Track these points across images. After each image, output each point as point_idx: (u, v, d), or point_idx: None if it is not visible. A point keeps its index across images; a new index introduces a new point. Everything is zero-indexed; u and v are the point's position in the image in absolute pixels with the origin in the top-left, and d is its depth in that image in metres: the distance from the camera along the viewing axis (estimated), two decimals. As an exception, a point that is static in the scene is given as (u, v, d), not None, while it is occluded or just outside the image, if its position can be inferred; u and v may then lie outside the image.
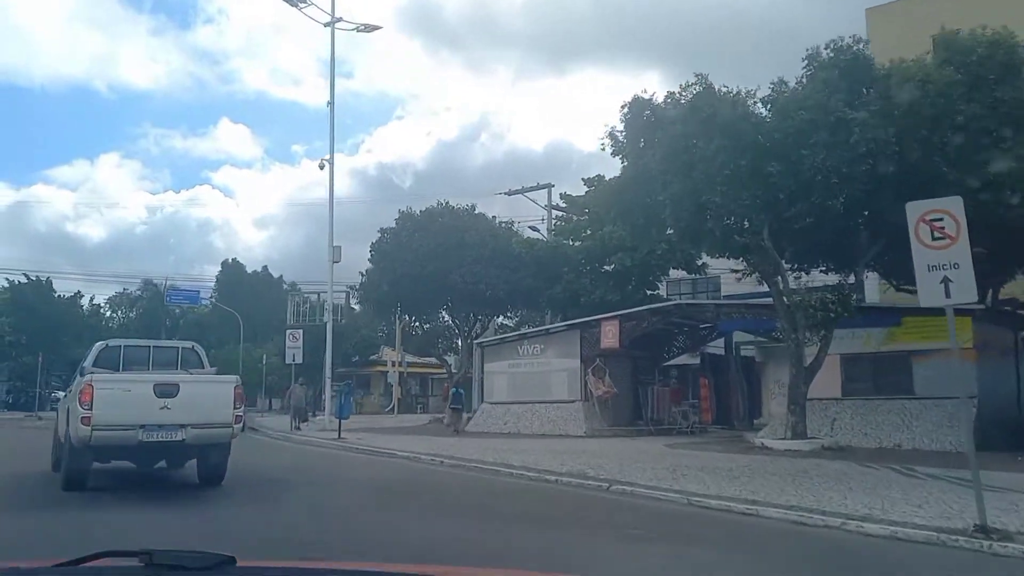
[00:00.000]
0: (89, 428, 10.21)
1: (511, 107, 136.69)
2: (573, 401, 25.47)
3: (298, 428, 26.80)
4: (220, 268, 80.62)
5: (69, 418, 10.89)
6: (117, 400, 10.47)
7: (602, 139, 19.16)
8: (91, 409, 10.22)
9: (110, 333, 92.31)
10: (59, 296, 49.13)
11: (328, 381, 26.91)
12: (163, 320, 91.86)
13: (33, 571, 2.11)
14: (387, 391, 48.66)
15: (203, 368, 12.57)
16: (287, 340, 27.80)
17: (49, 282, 48.34)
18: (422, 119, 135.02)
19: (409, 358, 46.56)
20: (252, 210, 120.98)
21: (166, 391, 10.68)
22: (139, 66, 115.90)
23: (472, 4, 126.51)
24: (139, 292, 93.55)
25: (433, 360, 42.96)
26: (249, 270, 79.91)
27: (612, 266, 30.69)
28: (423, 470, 15.17)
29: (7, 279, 47.66)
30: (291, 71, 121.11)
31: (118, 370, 11.76)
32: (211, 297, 78.19)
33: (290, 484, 13.44)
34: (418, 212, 31.70)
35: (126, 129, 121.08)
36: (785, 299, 18.76)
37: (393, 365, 44.17)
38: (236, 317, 60.19)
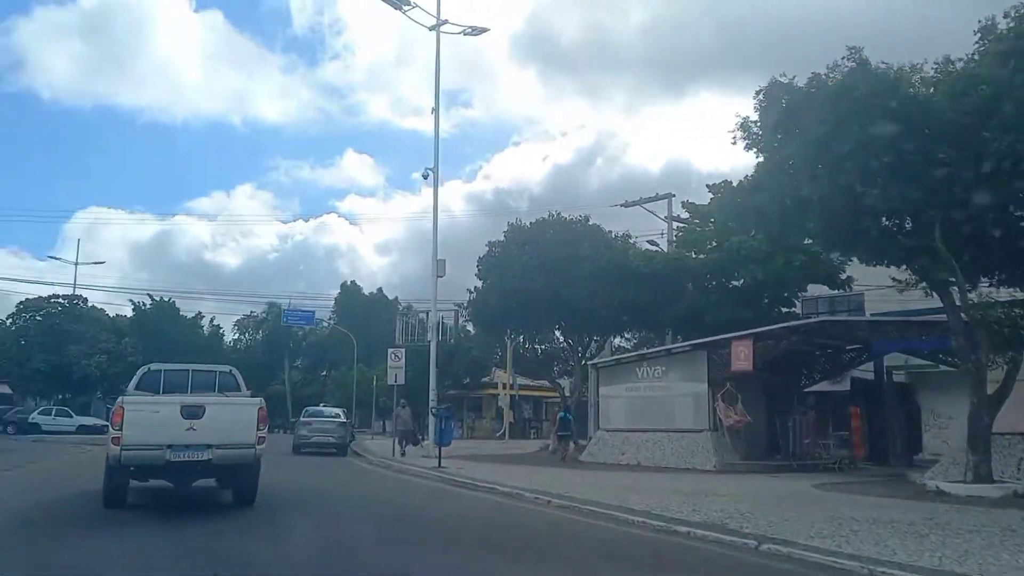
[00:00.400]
0: (119, 448, 10.64)
1: (627, 130, 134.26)
2: (700, 431, 22.60)
3: (403, 454, 24.99)
4: (339, 290, 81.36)
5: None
6: (146, 421, 10.85)
7: (733, 131, 16.60)
8: (121, 430, 10.63)
9: (235, 354, 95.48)
10: (183, 316, 49.91)
11: (432, 404, 25.13)
12: (286, 342, 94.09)
13: None
14: (498, 415, 46.82)
15: (239, 391, 12.68)
16: (389, 359, 26.19)
17: (172, 303, 49.21)
18: (538, 144, 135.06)
19: (522, 380, 44.51)
20: (374, 236, 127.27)
21: (192, 412, 10.97)
22: (271, 102, 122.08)
23: (587, 29, 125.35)
24: (264, 315, 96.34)
25: (547, 383, 40.92)
26: (367, 292, 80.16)
27: (741, 281, 27.67)
28: (525, 511, 12.83)
29: (131, 300, 48.92)
30: (411, 102, 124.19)
31: (158, 393, 12.04)
32: (330, 319, 78.95)
33: (352, 517, 12.14)
34: (528, 224, 29.68)
35: (260, 161, 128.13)
36: (963, 314, 15.52)
37: (504, 388, 42.15)
38: (352, 338, 59.90)
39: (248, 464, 11.46)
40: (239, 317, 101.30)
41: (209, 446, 10.97)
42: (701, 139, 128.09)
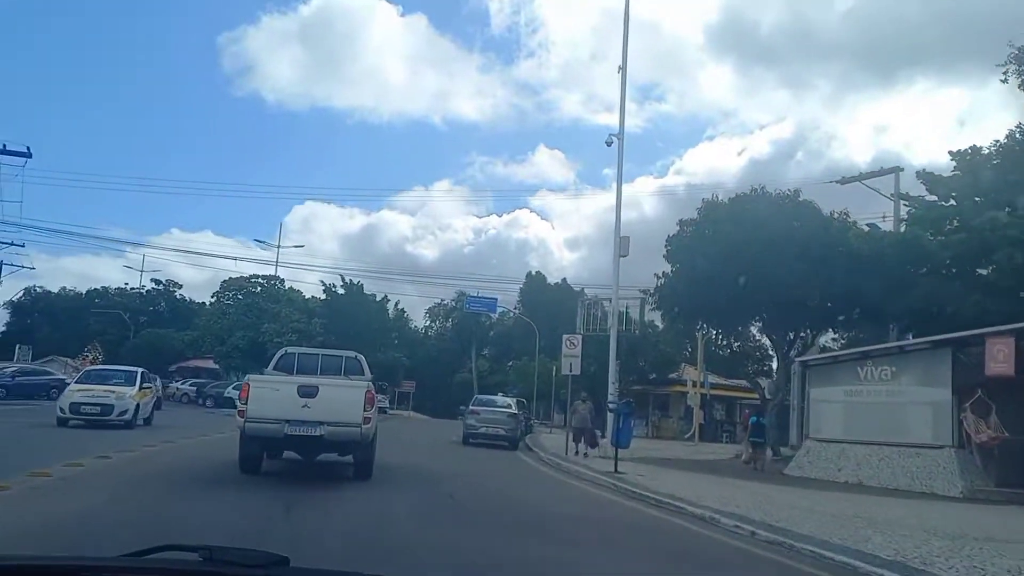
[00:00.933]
0: (244, 420, 11.58)
1: (832, 122, 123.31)
2: (941, 447, 18.13)
3: (580, 453, 21.57)
4: (524, 280, 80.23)
5: None
6: (267, 398, 11.63)
7: (1004, 69, 12.40)
8: (246, 404, 11.56)
9: (424, 340, 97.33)
10: (369, 299, 50.06)
11: (609, 398, 22.15)
12: (474, 331, 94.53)
13: (96, 561, 2.20)
14: (687, 415, 42.94)
15: (362, 375, 13.40)
16: (563, 347, 23.08)
17: (360, 285, 49.38)
18: (733, 138, 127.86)
19: (714, 378, 40.45)
20: (564, 231, 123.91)
21: (307, 392, 11.57)
22: (469, 100, 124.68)
23: (788, 18, 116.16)
24: (453, 303, 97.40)
25: (744, 382, 36.82)
26: (552, 282, 78.44)
27: (992, 268, 22.49)
28: (720, 546, 9.51)
29: (322, 282, 49.61)
30: (604, 98, 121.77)
31: (292, 373, 13.12)
32: (515, 308, 77.96)
33: (470, 514, 10.84)
34: (726, 199, 25.94)
35: (457, 158, 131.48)
36: None
37: (694, 386, 38.30)
38: (534, 328, 58.10)
39: (357, 441, 11.95)
40: (430, 305, 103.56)
41: (321, 423, 11.57)
42: (915, 130, 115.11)
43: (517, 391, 54.13)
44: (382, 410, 51.16)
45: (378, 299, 50.78)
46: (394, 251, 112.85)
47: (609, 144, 23.38)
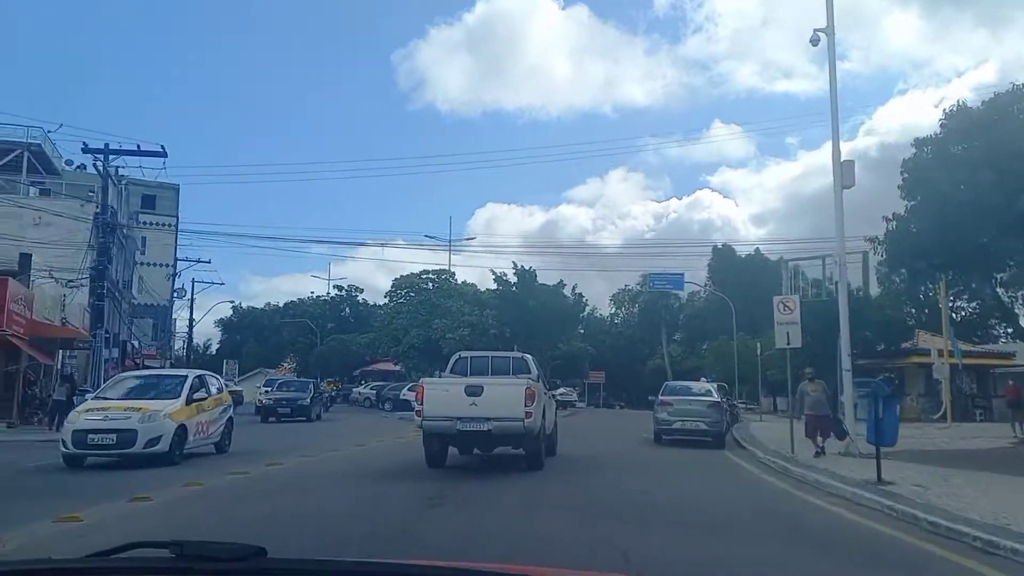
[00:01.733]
0: (420, 419, 12.88)
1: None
2: None
3: (818, 452, 15.80)
4: (711, 255, 73.65)
5: None
6: (439, 398, 12.87)
7: None
8: (422, 405, 12.85)
9: (610, 328, 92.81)
10: (543, 285, 46.24)
11: (846, 376, 16.52)
12: (662, 315, 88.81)
13: (63, 564, 2.14)
14: (928, 391, 35.49)
15: (529, 374, 14.23)
16: (776, 312, 17.34)
17: (533, 272, 45.78)
18: (928, 89, 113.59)
19: (963, 344, 32.85)
20: (750, 208, 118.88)
21: (473, 391, 12.73)
22: (638, 84, 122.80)
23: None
24: (638, 286, 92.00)
25: (994, 347, 29.49)
26: (742, 254, 71.43)
27: None
28: None
29: (492, 271, 46.39)
30: (781, 64, 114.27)
31: (466, 375, 14.31)
32: (705, 286, 71.68)
33: None
34: (978, 106, 19.35)
35: (628, 145, 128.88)
36: None
37: (940, 355, 30.97)
38: (730, 306, 51.93)
39: (522, 434, 12.73)
40: (614, 292, 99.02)
41: (488, 419, 12.49)
42: None
43: (715, 375, 48.34)
44: (568, 403, 47.30)
45: (554, 286, 46.78)
46: (575, 244, 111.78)
47: (815, 43, 17.69)
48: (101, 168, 24.07)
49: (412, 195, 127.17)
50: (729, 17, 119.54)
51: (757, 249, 70.81)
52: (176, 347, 61.66)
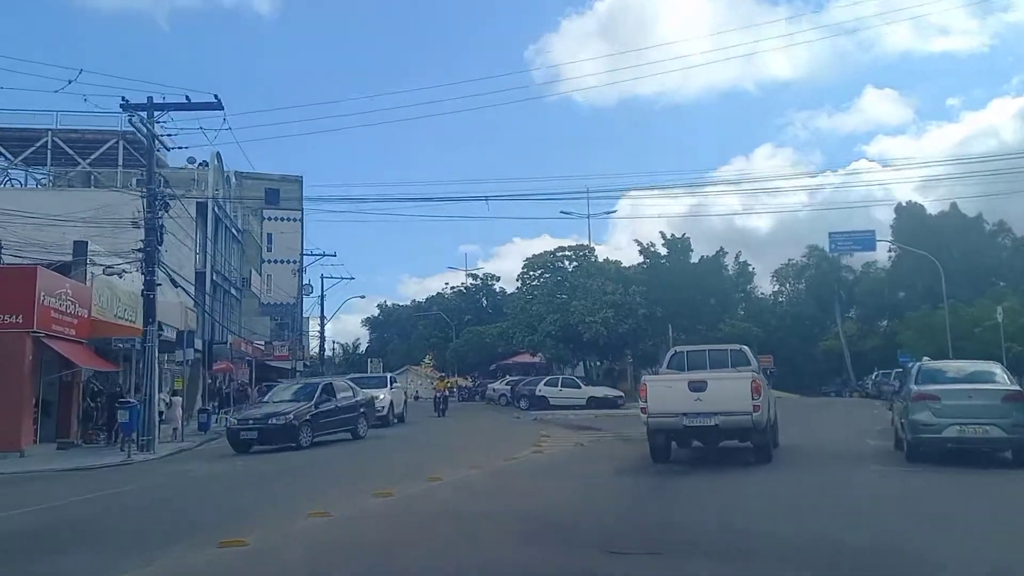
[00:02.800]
0: (647, 416, 12.89)
1: None
2: None
3: None
4: (894, 215, 62.71)
5: None
6: (663, 395, 12.86)
7: None
8: (647, 402, 12.85)
9: (775, 307, 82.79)
10: (702, 258, 38.31)
11: None
12: (835, 290, 78.04)
13: None
14: None
15: (748, 366, 14.00)
16: None
17: (687, 240, 37.71)
18: None
19: None
20: (911, 176, 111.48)
21: (698, 387, 12.55)
22: (780, 56, 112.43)
23: None
24: (805, 259, 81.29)
25: None
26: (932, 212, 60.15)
27: None
28: None
29: (637, 241, 38.99)
30: (936, 21, 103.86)
31: (683, 370, 14.04)
32: (890, 250, 61.04)
33: None
34: None
35: (772, 120, 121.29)
36: None
37: None
38: (933, 268, 41.86)
39: (750, 428, 12.47)
40: (777, 267, 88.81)
41: (714, 413, 12.35)
42: None
43: (919, 352, 38.64)
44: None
45: (712, 256, 38.84)
46: (726, 226, 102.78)
47: None
48: (144, 128, 19.15)
49: (553, 187, 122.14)
50: None
51: (954, 204, 59.17)
52: (312, 346, 58.32)
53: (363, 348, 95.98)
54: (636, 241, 37.59)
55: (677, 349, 15.62)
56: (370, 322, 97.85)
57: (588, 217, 48.45)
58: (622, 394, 32.67)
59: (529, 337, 38.68)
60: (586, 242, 46.18)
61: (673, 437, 13.18)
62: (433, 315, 60.37)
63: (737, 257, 37.82)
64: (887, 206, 76.98)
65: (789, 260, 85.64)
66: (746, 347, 15.10)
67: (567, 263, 41.87)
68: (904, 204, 62.61)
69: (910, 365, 16.94)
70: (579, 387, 32.29)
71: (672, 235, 36.85)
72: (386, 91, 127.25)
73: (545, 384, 33.37)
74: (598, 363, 41.58)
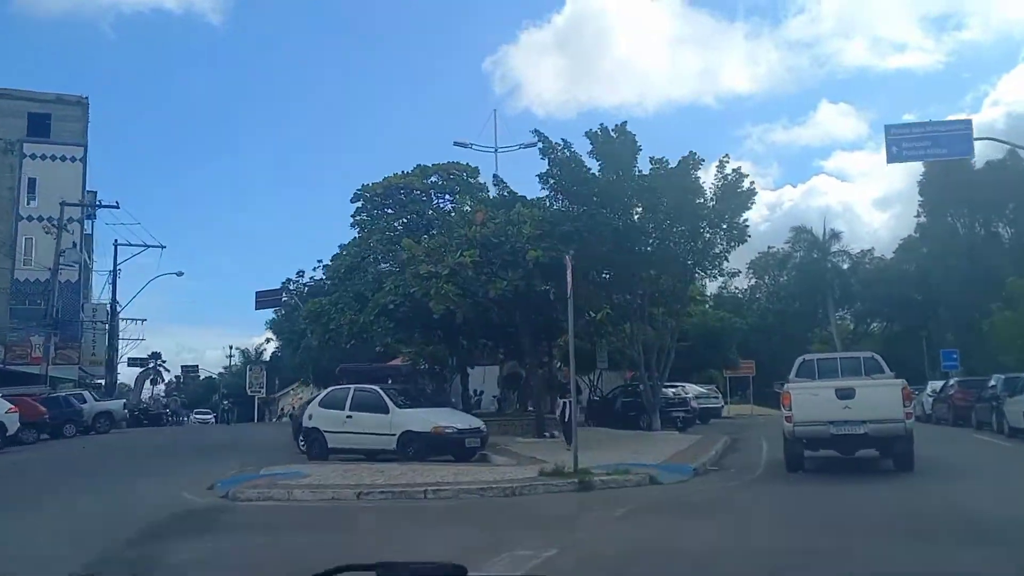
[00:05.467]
0: (792, 425, 12.15)
1: None
2: None
3: None
4: (922, 173, 45.99)
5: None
6: (809, 403, 12.15)
7: None
8: (791, 411, 12.15)
9: (753, 304, 66.71)
10: (657, 163, 20.54)
11: None
12: (827, 280, 61.42)
13: None
14: None
15: (883, 373, 13.31)
16: None
17: (630, 137, 19.58)
18: None
19: None
20: (872, 191, 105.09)
21: (846, 394, 11.96)
22: (739, 71, 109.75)
23: None
24: (789, 246, 64.76)
25: None
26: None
27: None
28: None
29: (537, 133, 21.25)
30: (893, 38, 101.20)
31: (814, 379, 13.32)
32: (919, 212, 44.39)
33: None
34: None
35: (730, 133, 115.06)
36: None
37: None
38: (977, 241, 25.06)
39: (901, 436, 11.93)
40: (752, 257, 72.15)
41: (864, 421, 11.76)
42: None
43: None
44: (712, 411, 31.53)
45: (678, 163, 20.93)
46: None
47: None
48: None
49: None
50: None
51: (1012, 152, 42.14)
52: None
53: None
54: (535, 132, 19.92)
55: (806, 357, 14.74)
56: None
57: (495, 151, 30.88)
58: (481, 426, 15.44)
59: (352, 317, 21.16)
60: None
61: (814, 445, 12.56)
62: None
63: (722, 165, 19.82)
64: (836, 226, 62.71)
65: (769, 248, 69.18)
66: (878, 355, 14.53)
67: (436, 197, 24.37)
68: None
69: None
70: (385, 411, 14.62)
71: (602, 125, 19.23)
72: (336, 100, 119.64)
73: (322, 405, 15.89)
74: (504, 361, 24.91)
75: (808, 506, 9.94)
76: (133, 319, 54.05)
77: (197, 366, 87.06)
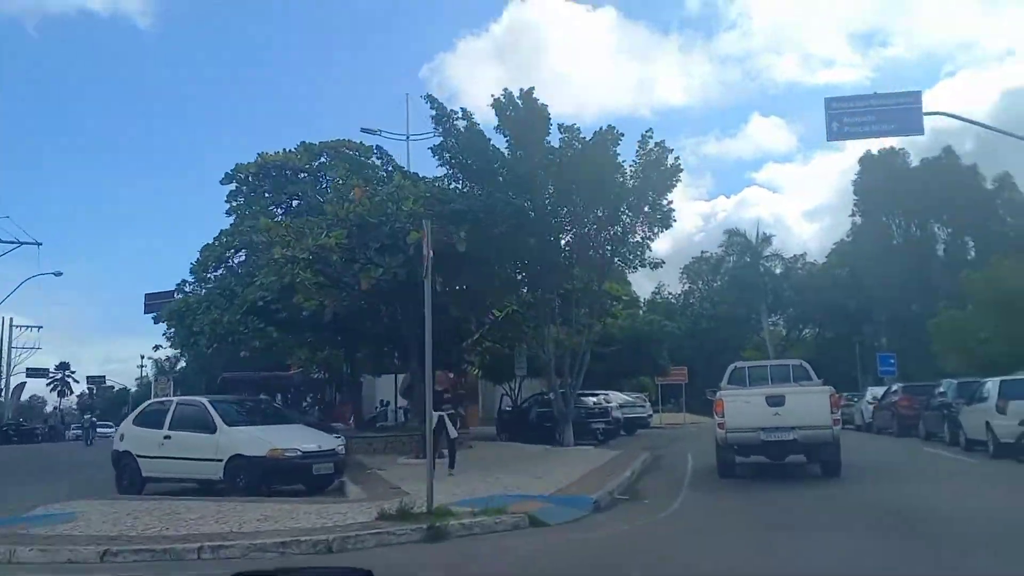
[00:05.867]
0: (724, 431, 12.25)
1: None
2: None
3: None
4: (857, 169, 44.52)
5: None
6: (741, 410, 12.24)
7: None
8: (724, 417, 12.21)
9: (686, 310, 65.27)
10: (568, 130, 17.46)
11: None
12: (762, 284, 59.99)
13: None
14: None
15: (811, 380, 13.84)
16: None
17: (542, 110, 16.61)
18: (979, 71, 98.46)
19: None
20: (801, 203, 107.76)
21: (776, 401, 12.10)
22: (673, 83, 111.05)
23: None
24: (723, 249, 63.09)
25: None
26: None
27: None
28: None
29: (431, 100, 17.94)
30: (822, 54, 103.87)
31: (745, 386, 13.83)
32: (854, 213, 42.90)
33: None
34: None
35: (665, 144, 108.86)
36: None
37: None
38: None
39: (828, 442, 12.05)
40: (686, 263, 70.58)
41: (793, 428, 11.85)
42: None
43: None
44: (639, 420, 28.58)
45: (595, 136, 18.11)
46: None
47: None
48: None
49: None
50: (764, 11, 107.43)
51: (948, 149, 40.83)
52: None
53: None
54: (427, 98, 16.57)
55: (738, 364, 15.17)
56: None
57: (407, 138, 27.54)
58: (337, 447, 12.24)
59: (216, 317, 17.48)
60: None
61: (749, 451, 12.67)
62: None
63: (645, 139, 16.64)
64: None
65: (703, 253, 67.61)
66: (806, 363, 14.97)
67: (325, 179, 20.98)
68: (874, 153, 44.08)
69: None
70: (211, 430, 10.62)
71: (506, 90, 16.07)
72: (269, 108, 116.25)
73: (136, 423, 12.12)
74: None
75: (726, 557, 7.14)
76: (28, 327, 49.26)
77: (104, 377, 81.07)
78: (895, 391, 22.73)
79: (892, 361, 33.33)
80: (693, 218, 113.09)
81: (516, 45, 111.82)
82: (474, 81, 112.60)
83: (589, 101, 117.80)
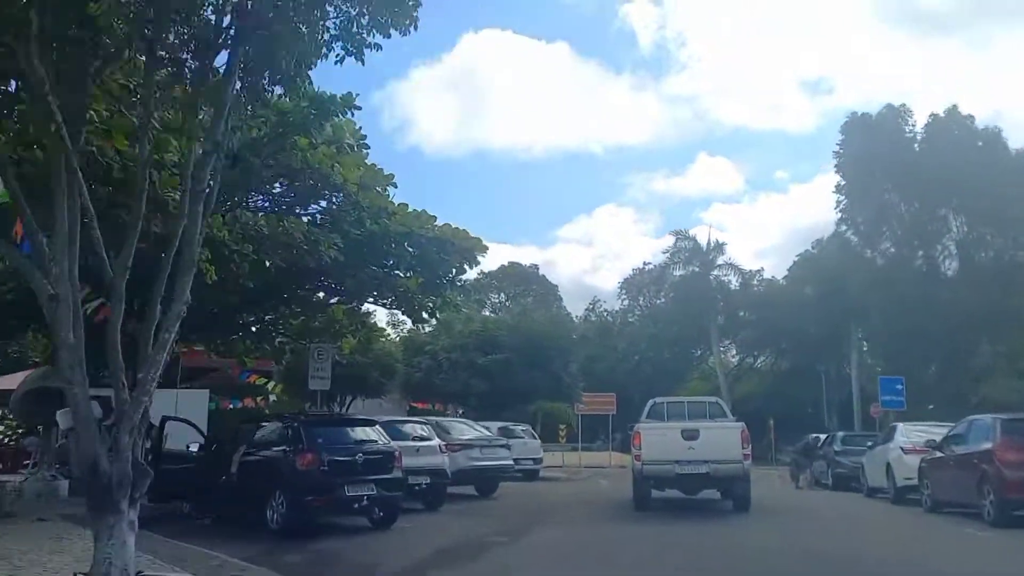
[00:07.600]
0: (641, 464, 12.75)
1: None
2: None
3: None
4: (841, 139, 34.59)
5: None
6: (657, 443, 12.66)
7: None
8: (640, 450, 12.74)
9: (624, 328, 55.45)
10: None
11: None
12: (714, 298, 50.07)
13: None
14: None
15: (726, 417, 14.01)
16: None
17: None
18: (915, 116, 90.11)
19: None
20: (748, 243, 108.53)
21: (691, 435, 12.53)
22: (624, 121, 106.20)
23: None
24: (670, 260, 52.73)
25: None
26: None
27: None
28: None
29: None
30: (768, 99, 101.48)
31: (664, 420, 13.88)
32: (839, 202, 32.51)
33: None
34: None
35: (614, 180, 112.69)
36: None
37: None
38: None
39: (739, 476, 12.48)
40: (624, 277, 60.62)
41: (706, 461, 12.26)
42: None
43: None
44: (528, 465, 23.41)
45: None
46: (574, 285, 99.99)
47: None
48: None
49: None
50: (714, 56, 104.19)
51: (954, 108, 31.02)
52: None
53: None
54: None
55: (657, 400, 15.24)
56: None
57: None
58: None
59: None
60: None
61: (660, 484, 13.08)
62: None
63: None
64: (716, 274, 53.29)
65: (644, 264, 57.45)
66: (721, 400, 16.06)
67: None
68: (859, 114, 34.28)
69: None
70: None
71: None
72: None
73: None
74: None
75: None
76: None
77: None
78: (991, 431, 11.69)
79: (900, 387, 23.06)
80: (642, 254, 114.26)
81: (469, 77, 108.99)
82: (426, 111, 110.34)
83: (541, 135, 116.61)
